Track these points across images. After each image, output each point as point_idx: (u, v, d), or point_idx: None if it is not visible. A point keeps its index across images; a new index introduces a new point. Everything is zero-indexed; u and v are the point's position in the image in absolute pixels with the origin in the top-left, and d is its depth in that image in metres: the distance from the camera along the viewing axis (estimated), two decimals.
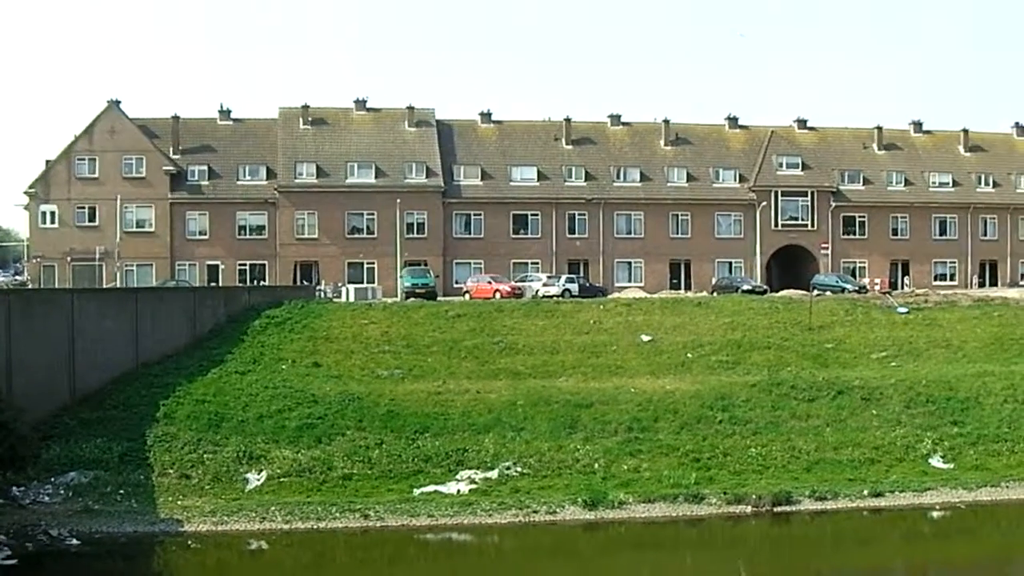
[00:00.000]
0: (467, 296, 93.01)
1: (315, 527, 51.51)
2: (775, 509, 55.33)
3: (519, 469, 57.87)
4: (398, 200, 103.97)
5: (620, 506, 54.52)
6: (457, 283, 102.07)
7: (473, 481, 56.52)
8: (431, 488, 55.78)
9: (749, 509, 55.19)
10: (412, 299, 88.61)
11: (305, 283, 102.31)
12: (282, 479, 56.26)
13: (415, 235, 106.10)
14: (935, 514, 56.86)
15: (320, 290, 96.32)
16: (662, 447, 60.76)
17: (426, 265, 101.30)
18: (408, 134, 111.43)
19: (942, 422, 66.12)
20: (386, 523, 52.10)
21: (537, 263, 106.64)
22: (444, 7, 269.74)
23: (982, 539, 55.40)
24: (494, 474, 57.24)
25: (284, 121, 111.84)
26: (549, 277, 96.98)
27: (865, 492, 57.43)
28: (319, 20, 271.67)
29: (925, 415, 66.84)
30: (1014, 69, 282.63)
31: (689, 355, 74.91)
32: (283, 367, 69.80)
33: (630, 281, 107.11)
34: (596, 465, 58.55)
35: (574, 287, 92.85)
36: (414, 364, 71.29)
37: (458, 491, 55.52)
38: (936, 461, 62.13)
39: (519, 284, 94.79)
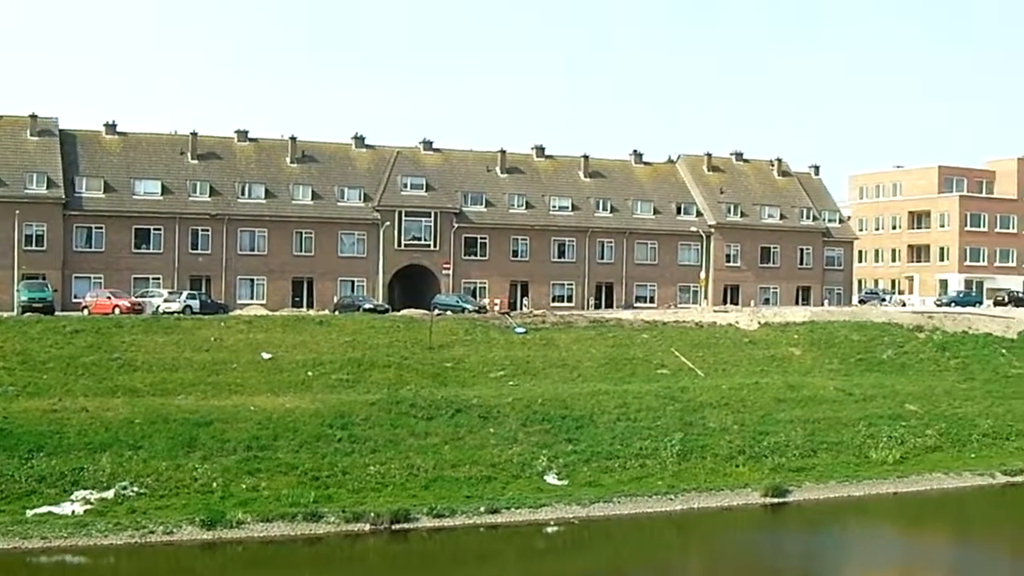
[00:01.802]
0: (86, 311, 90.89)
1: None
2: (393, 527, 56.22)
3: (136, 489, 56.88)
4: (17, 211, 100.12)
5: (238, 525, 54.39)
6: (76, 298, 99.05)
7: (89, 502, 55.32)
8: (45, 509, 54.26)
9: (368, 527, 55.92)
10: (29, 314, 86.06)
11: None
12: None
13: (34, 248, 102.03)
14: (550, 530, 58.87)
15: None
16: (281, 466, 60.78)
17: (44, 279, 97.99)
18: (29, 143, 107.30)
19: (557, 440, 68.41)
20: None
21: (159, 278, 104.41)
22: (70, 11, 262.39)
23: (594, 553, 57.40)
24: (110, 494, 56.12)
25: None
26: (170, 293, 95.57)
27: (482, 509, 58.96)
28: None
29: (541, 433, 69.03)
30: (633, 96, 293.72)
31: (310, 373, 75.23)
32: None
33: (252, 298, 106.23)
34: (215, 484, 58.08)
35: (195, 303, 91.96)
36: (29, 381, 69.18)
37: (73, 512, 54.27)
38: (551, 478, 64.15)
39: (139, 300, 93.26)
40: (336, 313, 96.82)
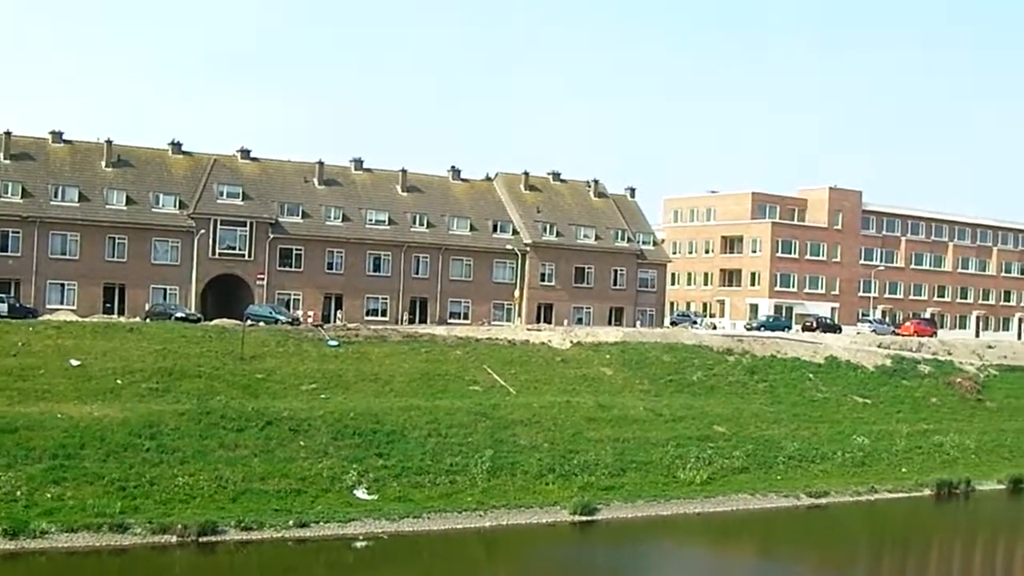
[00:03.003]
0: None
1: None
2: (201, 539, 56.23)
3: None
4: None
5: (42, 535, 53.96)
6: None
7: None
8: None
9: (175, 539, 55.87)
10: None
11: None
12: None
13: None
14: (359, 544, 59.48)
15: None
16: (88, 475, 60.24)
17: None
18: None
19: (368, 454, 68.89)
20: None
21: None
22: None
23: (403, 569, 58.01)
24: None
25: None
26: None
27: (291, 522, 59.28)
28: None
29: (352, 447, 69.44)
30: (452, 112, 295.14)
31: (119, 381, 74.42)
32: None
33: (63, 303, 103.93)
34: (19, 493, 57.40)
35: (3, 307, 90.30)
36: None
37: None
38: (361, 492, 64.63)
39: None
40: (148, 321, 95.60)
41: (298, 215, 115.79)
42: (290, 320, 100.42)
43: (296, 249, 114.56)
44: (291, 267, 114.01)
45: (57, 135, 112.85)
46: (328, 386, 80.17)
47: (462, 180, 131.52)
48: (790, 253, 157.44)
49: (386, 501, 64.11)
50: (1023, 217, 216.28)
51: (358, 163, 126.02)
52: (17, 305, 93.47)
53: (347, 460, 67.53)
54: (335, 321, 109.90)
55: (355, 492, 64.58)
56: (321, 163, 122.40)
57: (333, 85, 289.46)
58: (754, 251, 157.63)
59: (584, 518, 66.41)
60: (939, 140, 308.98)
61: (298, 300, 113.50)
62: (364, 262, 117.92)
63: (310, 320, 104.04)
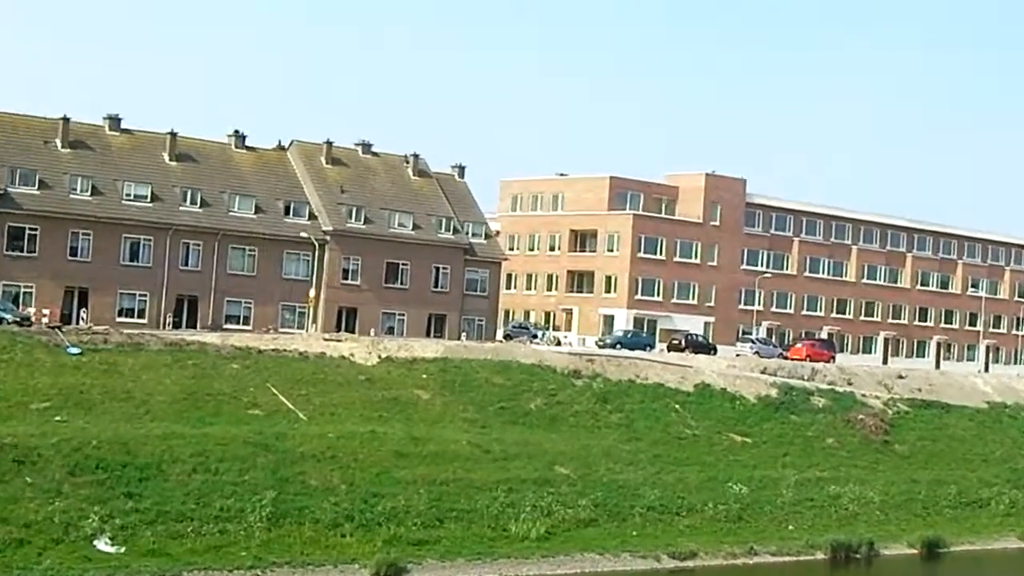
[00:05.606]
0: None
1: None
2: None
3: None
4: None
5: None
6: None
7: None
8: None
9: None
10: None
11: None
12: None
13: None
14: None
15: None
16: None
17: None
18: None
19: (115, 494, 67.81)
20: None
21: None
22: None
23: None
24: None
25: None
26: None
27: None
28: None
29: (94, 485, 68.29)
30: (233, 67, 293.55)
31: None
32: None
33: None
34: None
35: None
36: None
37: None
38: (103, 544, 63.65)
39: None
40: None
41: (33, 185, 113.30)
42: (19, 319, 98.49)
43: (30, 228, 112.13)
44: (22, 252, 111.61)
45: None
46: (66, 405, 78.76)
47: (247, 148, 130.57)
48: (655, 253, 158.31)
49: (136, 555, 63.18)
50: (941, 218, 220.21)
51: (115, 122, 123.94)
52: None
53: (87, 501, 66.37)
54: (78, 322, 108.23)
55: (96, 543, 63.54)
56: (66, 119, 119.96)
57: (84, 25, 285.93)
58: (611, 249, 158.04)
59: None
60: (827, 126, 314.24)
61: (30, 294, 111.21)
62: (118, 248, 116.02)
63: (45, 320, 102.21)
